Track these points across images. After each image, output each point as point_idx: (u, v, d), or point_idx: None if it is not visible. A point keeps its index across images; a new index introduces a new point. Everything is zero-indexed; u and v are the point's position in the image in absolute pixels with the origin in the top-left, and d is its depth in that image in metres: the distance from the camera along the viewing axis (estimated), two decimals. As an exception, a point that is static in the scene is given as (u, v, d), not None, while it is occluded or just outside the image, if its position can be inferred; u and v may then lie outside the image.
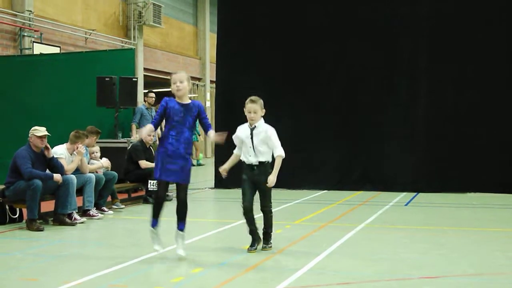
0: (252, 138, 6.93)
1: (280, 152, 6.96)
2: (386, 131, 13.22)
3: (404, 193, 12.61)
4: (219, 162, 14.40)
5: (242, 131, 7.03)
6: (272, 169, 6.93)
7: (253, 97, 6.97)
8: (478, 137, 12.79)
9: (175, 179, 6.74)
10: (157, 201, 6.88)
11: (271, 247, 7.07)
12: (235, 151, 7.19)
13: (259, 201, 7.03)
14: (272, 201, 7.12)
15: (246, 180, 6.99)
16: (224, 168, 7.16)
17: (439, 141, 12.97)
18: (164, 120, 6.78)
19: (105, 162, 10.31)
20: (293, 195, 12.53)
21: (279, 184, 12.86)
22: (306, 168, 13.53)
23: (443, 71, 13.01)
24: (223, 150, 14.15)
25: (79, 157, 9.44)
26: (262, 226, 7.12)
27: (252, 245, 7.00)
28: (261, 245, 7.07)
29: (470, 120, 12.86)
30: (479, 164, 12.72)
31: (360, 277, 5.82)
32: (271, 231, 7.15)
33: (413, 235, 8.14)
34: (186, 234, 6.90)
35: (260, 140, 6.92)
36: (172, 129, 6.60)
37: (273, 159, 7.00)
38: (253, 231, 7.03)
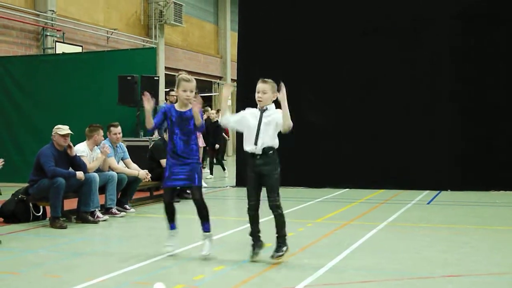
0: (260, 121, 6.30)
1: (290, 124, 6.22)
2: (407, 129, 13.14)
3: (426, 192, 12.53)
4: (240, 160, 14.52)
5: (251, 113, 6.43)
6: (276, 160, 6.35)
7: (265, 79, 6.41)
8: (501, 135, 12.68)
9: (184, 183, 6.71)
10: (165, 207, 6.87)
11: (282, 255, 6.27)
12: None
13: (266, 197, 6.37)
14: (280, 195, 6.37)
15: (250, 176, 6.39)
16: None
17: (461, 139, 12.86)
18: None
19: (142, 174, 10.24)
20: (314, 193, 12.51)
21: (300, 183, 13.10)
22: (327, 166, 13.50)
23: (465, 69, 12.89)
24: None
25: (102, 157, 9.51)
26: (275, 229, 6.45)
27: (252, 250, 6.45)
28: (261, 249, 6.46)
29: (493, 118, 12.75)
30: (502, 162, 12.60)
31: (382, 276, 5.80)
32: (284, 234, 6.35)
33: (436, 233, 8.09)
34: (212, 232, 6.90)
35: (267, 123, 6.28)
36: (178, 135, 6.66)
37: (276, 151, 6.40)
38: (253, 232, 6.49)
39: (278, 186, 6.37)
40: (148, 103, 6.65)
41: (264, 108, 6.34)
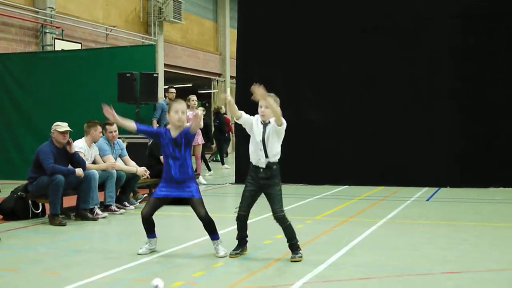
0: (264, 134, 6.31)
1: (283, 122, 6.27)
2: (406, 126, 13.15)
3: (426, 189, 12.53)
4: (240, 157, 14.53)
5: (256, 121, 6.40)
6: (278, 174, 6.34)
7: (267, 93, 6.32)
8: (500, 132, 12.68)
9: (179, 194, 6.62)
10: (142, 220, 6.76)
11: (301, 256, 6.28)
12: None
13: (270, 207, 6.38)
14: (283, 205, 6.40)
15: (250, 184, 6.40)
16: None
17: (460, 137, 12.87)
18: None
19: (141, 170, 10.22)
20: (313, 190, 12.51)
21: (299, 179, 13.09)
22: (326, 163, 13.50)
23: (464, 67, 12.89)
24: (244, 147, 14.19)
25: (103, 167, 9.52)
26: (285, 239, 6.42)
27: (235, 248, 6.52)
28: (242, 253, 6.53)
29: (492, 116, 12.75)
30: (501, 159, 12.60)
31: (381, 272, 5.80)
32: (296, 241, 6.34)
33: (435, 230, 8.09)
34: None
35: (269, 136, 6.30)
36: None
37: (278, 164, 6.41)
38: (241, 237, 6.55)
39: (281, 198, 6.38)
40: (109, 114, 6.92)
41: (267, 122, 6.37)
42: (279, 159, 6.38)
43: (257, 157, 6.35)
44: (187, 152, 6.64)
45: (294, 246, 6.34)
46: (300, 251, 6.33)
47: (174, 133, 6.60)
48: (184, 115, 6.60)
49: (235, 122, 6.76)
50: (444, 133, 12.99)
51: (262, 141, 6.31)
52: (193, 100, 14.23)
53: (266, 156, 6.30)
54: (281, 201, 6.34)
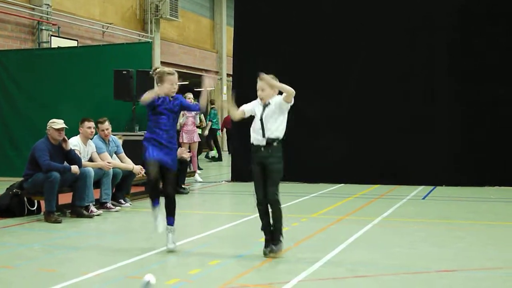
0: (262, 115, 6.36)
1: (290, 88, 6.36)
2: (403, 125, 13.15)
3: (422, 187, 12.54)
4: (235, 155, 14.54)
5: (256, 104, 6.50)
6: (280, 153, 6.33)
7: (263, 75, 6.43)
8: (496, 131, 12.69)
9: (167, 162, 6.69)
10: (151, 184, 6.78)
11: (276, 252, 6.28)
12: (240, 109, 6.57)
13: (267, 190, 6.32)
14: (279, 191, 6.36)
15: (254, 169, 6.38)
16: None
17: (456, 135, 12.88)
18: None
19: (137, 169, 10.19)
20: (309, 188, 12.52)
21: (295, 177, 13.10)
22: (323, 161, 13.50)
23: (462, 66, 12.89)
24: (239, 144, 14.21)
25: (100, 165, 9.49)
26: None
27: (266, 246, 6.38)
28: (275, 246, 6.36)
29: (488, 114, 12.75)
30: (497, 158, 12.62)
31: (377, 270, 5.81)
32: (280, 226, 6.35)
33: (430, 228, 8.10)
34: (204, 227, 6.91)
35: (269, 115, 6.34)
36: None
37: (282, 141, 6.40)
38: (264, 226, 6.42)
39: (279, 180, 6.36)
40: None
41: (267, 102, 6.41)
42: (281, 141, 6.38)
43: (257, 136, 6.37)
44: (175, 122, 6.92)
45: (276, 233, 6.34)
46: (280, 245, 6.31)
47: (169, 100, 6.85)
48: (177, 86, 6.92)
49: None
50: (440, 132, 13.00)
51: (261, 120, 6.35)
52: (189, 98, 14.21)
53: (264, 135, 6.31)
54: (278, 184, 6.34)
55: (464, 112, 12.88)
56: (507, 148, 12.61)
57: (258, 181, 6.38)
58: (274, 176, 6.31)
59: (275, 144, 6.33)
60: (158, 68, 7.07)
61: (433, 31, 13.13)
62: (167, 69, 6.95)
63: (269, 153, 6.31)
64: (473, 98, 12.83)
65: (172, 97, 6.88)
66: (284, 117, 6.42)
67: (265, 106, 6.42)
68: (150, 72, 7.08)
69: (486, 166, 12.66)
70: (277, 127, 6.34)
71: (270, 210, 6.36)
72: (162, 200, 6.78)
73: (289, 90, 6.33)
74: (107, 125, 10.00)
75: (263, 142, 6.32)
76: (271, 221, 6.41)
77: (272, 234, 6.38)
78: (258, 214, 6.47)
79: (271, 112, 6.36)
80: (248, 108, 6.52)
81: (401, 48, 13.29)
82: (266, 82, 6.32)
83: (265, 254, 6.32)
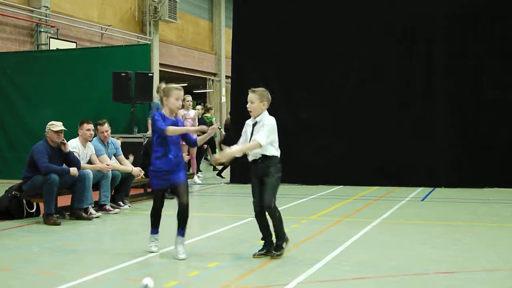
0: (251, 135, 6.46)
1: (260, 139, 6.31)
2: (402, 126, 13.15)
3: (421, 189, 12.55)
4: (234, 157, 14.48)
5: (247, 125, 6.60)
6: (277, 165, 6.40)
7: (254, 88, 6.55)
8: (495, 133, 12.69)
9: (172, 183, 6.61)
10: (155, 210, 6.81)
11: (279, 255, 6.37)
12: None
13: (262, 197, 6.40)
14: (275, 198, 6.40)
15: (252, 178, 6.51)
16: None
17: (456, 137, 12.88)
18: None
19: (136, 170, 10.19)
20: (309, 190, 12.51)
21: (294, 180, 13.09)
22: (321, 163, 13.49)
23: (461, 67, 12.90)
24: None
25: (99, 167, 9.47)
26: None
27: (260, 249, 6.51)
28: (270, 252, 6.45)
29: (488, 116, 12.76)
30: (496, 160, 12.62)
31: (376, 272, 5.80)
32: (280, 232, 6.42)
33: (430, 230, 8.10)
34: (202, 229, 6.90)
35: (255, 133, 6.44)
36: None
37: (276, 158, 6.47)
38: (264, 237, 6.52)
39: (275, 190, 6.42)
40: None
41: (256, 121, 6.46)
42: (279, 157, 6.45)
43: (250, 153, 6.49)
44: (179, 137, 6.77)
45: (278, 235, 6.44)
46: (281, 250, 6.41)
47: (171, 117, 6.75)
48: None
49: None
50: (439, 133, 13.00)
51: (250, 138, 6.47)
52: (188, 100, 14.22)
53: (253, 153, 6.43)
54: (273, 193, 6.37)
55: (463, 114, 12.88)
56: (506, 150, 12.60)
57: (256, 194, 6.48)
58: (268, 185, 6.38)
59: (271, 156, 6.43)
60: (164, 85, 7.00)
61: (431, 32, 13.13)
62: (174, 85, 6.89)
63: (266, 165, 6.41)
64: (472, 100, 12.84)
65: (174, 117, 6.77)
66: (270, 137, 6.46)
67: (254, 125, 6.48)
68: (156, 91, 7.08)
69: (485, 168, 12.66)
70: (270, 147, 6.42)
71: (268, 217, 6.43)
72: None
73: (250, 149, 6.42)
74: (106, 127, 9.98)
75: (259, 156, 6.43)
76: (270, 231, 6.50)
77: (276, 240, 6.46)
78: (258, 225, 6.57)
79: (256, 133, 6.43)
80: (244, 138, 6.61)
81: (399, 50, 13.29)
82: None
83: (253, 255, 6.45)
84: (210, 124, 20.42)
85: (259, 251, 6.50)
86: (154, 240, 6.74)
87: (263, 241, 6.54)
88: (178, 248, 6.44)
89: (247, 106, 6.51)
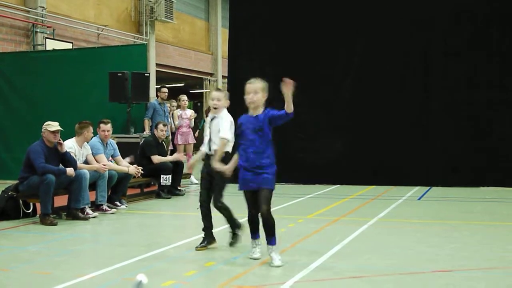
0: (210, 128, 6.73)
1: (225, 135, 6.49)
2: (399, 125, 13.17)
3: (417, 188, 12.56)
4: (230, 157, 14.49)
5: (206, 121, 6.89)
6: (229, 160, 6.46)
7: (218, 87, 6.92)
8: (491, 132, 12.73)
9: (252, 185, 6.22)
10: (250, 217, 6.39)
11: (235, 242, 6.81)
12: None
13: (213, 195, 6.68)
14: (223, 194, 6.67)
15: (203, 173, 6.77)
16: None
17: (452, 136, 12.90)
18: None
19: (132, 169, 10.20)
20: (305, 189, 12.52)
21: (291, 179, 13.10)
22: (318, 162, 13.50)
23: (457, 67, 12.92)
24: (235, 146, 14.19)
25: (95, 167, 9.47)
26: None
27: (201, 242, 6.77)
28: (213, 244, 6.80)
29: (484, 115, 12.78)
30: (492, 159, 12.64)
31: (373, 271, 5.81)
32: (234, 222, 6.82)
33: (426, 229, 8.11)
34: (199, 228, 6.91)
35: (214, 131, 6.68)
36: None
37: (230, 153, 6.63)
38: (206, 227, 6.80)
39: (223, 187, 6.67)
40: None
41: (214, 116, 6.71)
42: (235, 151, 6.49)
43: (205, 146, 6.75)
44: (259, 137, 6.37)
45: (232, 223, 6.83)
46: (239, 232, 6.81)
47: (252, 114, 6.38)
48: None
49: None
50: (435, 133, 13.02)
51: (209, 133, 6.72)
52: (183, 100, 14.23)
53: (212, 147, 6.66)
54: (221, 191, 6.66)
55: (460, 113, 12.90)
56: (502, 149, 12.63)
57: (204, 186, 6.82)
58: (218, 184, 6.65)
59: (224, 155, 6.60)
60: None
61: (429, 33, 13.15)
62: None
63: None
64: (468, 100, 12.86)
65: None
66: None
67: (212, 120, 6.73)
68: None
69: (481, 167, 12.68)
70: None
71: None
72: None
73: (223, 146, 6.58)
74: (109, 127, 10.09)
75: (211, 152, 6.68)
76: (212, 223, 6.87)
77: (231, 228, 6.86)
78: (201, 216, 6.85)
79: (216, 130, 6.66)
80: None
81: (397, 50, 13.31)
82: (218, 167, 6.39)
83: (196, 248, 6.73)
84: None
85: (200, 243, 6.77)
86: (256, 246, 6.41)
87: (204, 232, 6.81)
88: (272, 257, 6.09)
89: (213, 103, 6.72)
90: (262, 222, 6.16)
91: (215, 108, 6.72)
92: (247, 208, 6.36)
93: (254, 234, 6.39)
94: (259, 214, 6.19)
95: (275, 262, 6.02)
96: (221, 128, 6.59)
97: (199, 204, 6.85)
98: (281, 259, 6.04)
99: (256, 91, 6.33)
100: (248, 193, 6.31)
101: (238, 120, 6.40)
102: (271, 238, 6.10)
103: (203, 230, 6.84)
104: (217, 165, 6.40)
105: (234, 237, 6.89)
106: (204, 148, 6.79)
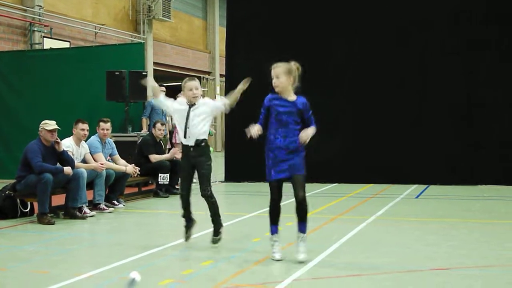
0: (188, 116, 6.66)
1: (224, 100, 6.85)
2: (397, 124, 13.17)
3: (415, 186, 12.57)
4: (229, 155, 14.52)
5: (179, 104, 6.86)
6: (207, 151, 6.74)
7: (189, 77, 6.92)
8: (489, 130, 12.73)
9: (287, 175, 6.10)
10: (271, 206, 6.24)
11: (219, 238, 6.80)
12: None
13: (199, 185, 6.79)
14: (211, 185, 6.84)
15: (183, 163, 6.84)
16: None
17: (450, 134, 12.91)
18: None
19: (130, 168, 10.19)
20: (303, 188, 12.49)
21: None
22: (316, 160, 13.45)
23: (455, 67, 12.92)
24: (234, 143, 14.21)
25: (93, 166, 9.45)
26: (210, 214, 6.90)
27: (185, 231, 6.98)
28: (191, 231, 6.99)
29: (482, 113, 12.79)
30: (490, 157, 12.65)
31: (371, 269, 5.81)
32: (219, 215, 6.83)
33: (424, 227, 8.11)
34: (197, 228, 6.91)
35: (198, 116, 6.67)
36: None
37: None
38: (185, 214, 6.95)
39: (210, 177, 6.79)
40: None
41: (192, 103, 6.73)
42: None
43: (183, 137, 6.74)
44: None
45: (216, 224, 6.80)
46: (221, 232, 6.81)
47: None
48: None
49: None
50: (433, 131, 13.02)
51: (186, 122, 6.68)
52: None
53: (190, 136, 6.67)
54: (209, 180, 6.74)
55: (457, 111, 12.91)
56: (499, 148, 12.64)
57: (185, 178, 6.89)
58: (203, 173, 6.74)
59: (203, 144, 6.73)
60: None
61: (426, 33, 13.14)
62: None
63: (198, 153, 6.71)
64: (465, 99, 12.87)
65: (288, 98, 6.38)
66: (209, 122, 6.85)
67: (190, 106, 6.73)
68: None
69: (479, 165, 12.69)
70: (204, 131, 6.75)
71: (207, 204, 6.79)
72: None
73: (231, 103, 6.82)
74: (109, 125, 10.07)
75: (191, 143, 6.71)
76: (192, 211, 6.96)
77: (213, 225, 6.83)
78: (181, 204, 6.96)
79: (196, 116, 6.71)
80: (168, 103, 6.99)
81: (395, 50, 13.30)
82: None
83: (186, 239, 6.98)
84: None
85: (186, 233, 6.98)
86: (274, 243, 6.22)
87: (186, 219, 6.96)
88: (297, 246, 6.07)
89: (193, 93, 6.73)
90: (298, 208, 6.11)
91: (193, 99, 6.73)
92: (270, 195, 6.21)
93: (274, 226, 6.24)
94: (294, 201, 6.13)
95: (299, 257, 5.96)
96: (213, 103, 6.84)
97: (179, 192, 6.98)
98: (306, 254, 5.99)
99: (277, 75, 6.33)
100: (275, 181, 6.17)
101: (266, 102, 6.23)
102: (303, 225, 6.13)
103: (183, 216, 6.96)
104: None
105: (189, 223, 6.96)
106: (181, 140, 6.81)
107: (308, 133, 6.20)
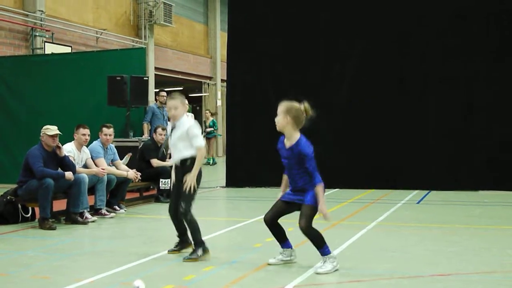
0: (171, 138, 6.67)
1: (198, 143, 6.48)
2: (397, 129, 13.17)
3: (416, 191, 12.56)
4: (230, 161, 14.52)
5: (168, 127, 6.84)
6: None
7: (172, 94, 6.68)
8: (490, 135, 12.73)
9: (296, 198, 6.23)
10: (269, 228, 6.32)
11: (195, 258, 6.38)
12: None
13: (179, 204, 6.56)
14: (191, 205, 6.48)
15: (174, 182, 6.75)
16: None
17: (450, 139, 12.91)
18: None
19: (131, 174, 10.19)
20: (304, 193, 12.48)
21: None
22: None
23: (455, 70, 12.92)
24: (235, 149, 14.23)
25: (94, 171, 9.45)
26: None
27: (175, 245, 6.83)
28: (187, 248, 6.75)
29: (483, 118, 12.79)
30: (490, 162, 12.64)
31: (372, 275, 5.81)
32: (199, 240, 6.47)
33: (425, 233, 8.11)
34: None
35: (177, 137, 6.55)
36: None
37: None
38: (179, 234, 6.85)
39: (190, 196, 6.48)
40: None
41: (175, 124, 6.60)
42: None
43: (173, 158, 6.74)
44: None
45: (196, 245, 6.49)
46: (199, 253, 6.42)
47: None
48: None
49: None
50: (434, 136, 13.03)
51: (171, 143, 6.67)
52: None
53: (174, 157, 6.65)
54: (189, 201, 6.46)
55: (458, 116, 12.90)
56: (500, 152, 12.63)
57: (174, 194, 6.75)
58: (184, 193, 6.48)
59: (188, 163, 6.52)
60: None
61: (425, 36, 13.15)
62: None
63: (184, 171, 6.52)
64: (467, 103, 12.87)
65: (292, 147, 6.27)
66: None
67: (172, 129, 6.64)
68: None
69: (480, 170, 12.68)
70: (184, 150, 6.55)
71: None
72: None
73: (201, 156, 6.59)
74: (111, 131, 10.08)
75: (177, 162, 6.62)
76: (185, 230, 6.74)
77: (194, 242, 6.55)
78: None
79: (178, 137, 6.56)
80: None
81: (394, 54, 13.31)
82: (189, 179, 6.44)
83: (168, 251, 6.80)
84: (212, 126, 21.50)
85: (174, 247, 6.81)
86: (280, 253, 6.33)
87: (179, 239, 6.83)
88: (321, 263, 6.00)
89: (171, 113, 6.59)
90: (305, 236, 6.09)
91: (173, 117, 6.60)
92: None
93: (279, 243, 6.33)
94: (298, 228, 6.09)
95: (317, 269, 5.88)
96: (193, 137, 6.48)
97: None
98: (329, 270, 5.84)
99: (278, 113, 6.10)
100: (280, 201, 6.28)
101: (278, 144, 6.23)
102: (319, 251, 6.01)
103: (178, 237, 6.85)
104: (190, 179, 6.41)
105: (180, 244, 6.83)
106: (172, 159, 6.85)
107: (322, 207, 6.29)
